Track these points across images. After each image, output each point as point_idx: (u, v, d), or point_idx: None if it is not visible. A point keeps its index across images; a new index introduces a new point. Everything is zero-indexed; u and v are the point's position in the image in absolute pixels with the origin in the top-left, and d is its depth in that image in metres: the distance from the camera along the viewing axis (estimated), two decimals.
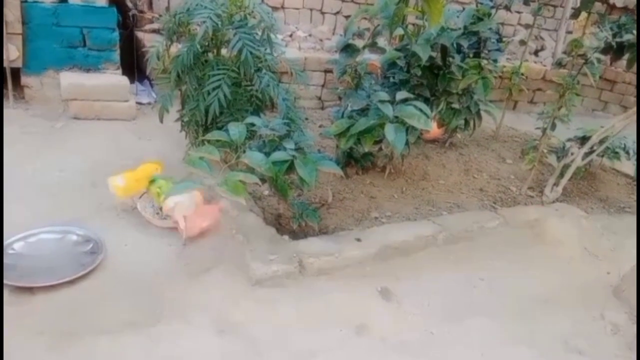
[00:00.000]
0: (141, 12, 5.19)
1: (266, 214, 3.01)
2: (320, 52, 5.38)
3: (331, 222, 3.08)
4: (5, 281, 2.15)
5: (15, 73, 4.07)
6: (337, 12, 6.10)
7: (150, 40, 4.81)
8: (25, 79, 4.13)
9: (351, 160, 3.63)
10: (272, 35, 2.86)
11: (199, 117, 2.89)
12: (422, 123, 2.53)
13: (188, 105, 2.94)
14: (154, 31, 5.07)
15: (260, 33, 2.85)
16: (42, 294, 2.17)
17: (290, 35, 5.68)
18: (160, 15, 5.37)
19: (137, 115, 4.31)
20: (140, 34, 4.98)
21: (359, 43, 3.23)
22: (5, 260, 2.30)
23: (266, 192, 3.24)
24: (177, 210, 2.59)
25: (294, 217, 2.86)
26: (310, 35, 5.75)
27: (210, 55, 2.95)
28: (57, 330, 2.00)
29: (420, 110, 2.57)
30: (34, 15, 3.95)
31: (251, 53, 2.71)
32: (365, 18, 3.03)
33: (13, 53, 3.93)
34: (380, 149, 3.11)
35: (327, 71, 5.18)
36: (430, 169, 3.99)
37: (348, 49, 3.19)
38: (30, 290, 2.17)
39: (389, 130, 2.50)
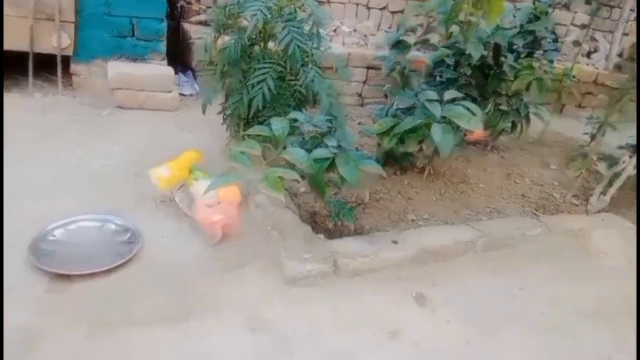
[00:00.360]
0: (189, 3, 5.22)
1: (302, 212, 2.97)
2: (364, 48, 5.29)
3: (367, 222, 3.01)
4: (45, 267, 2.18)
5: (65, 60, 4.14)
6: (383, 8, 5.98)
7: (196, 32, 4.82)
8: (74, 67, 4.20)
9: (390, 160, 3.54)
10: (320, 30, 2.79)
11: (241, 111, 2.85)
12: (470, 124, 2.42)
13: (232, 98, 2.91)
14: (200, 23, 5.08)
15: (308, 27, 2.78)
16: (80, 282, 2.18)
17: (335, 30, 5.60)
18: (208, 7, 5.41)
19: (180, 106, 4.32)
20: (186, 26, 5.00)
21: (410, 39, 3.12)
22: (46, 247, 2.33)
23: (302, 189, 3.19)
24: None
25: (330, 215, 2.81)
26: (354, 30, 5.65)
27: (256, 48, 2.90)
28: (94, 319, 2.01)
29: (469, 110, 2.46)
30: (86, 4, 4.00)
31: (299, 47, 2.65)
32: (416, 14, 2.91)
33: (65, 41, 3.99)
34: (421, 149, 3.02)
35: (369, 67, 5.08)
36: (471, 171, 3.87)
37: (399, 45, 3.09)
38: (68, 277, 2.18)
39: (436, 131, 2.40)
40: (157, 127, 3.93)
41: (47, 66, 4.17)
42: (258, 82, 2.72)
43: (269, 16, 2.62)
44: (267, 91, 2.70)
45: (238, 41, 2.77)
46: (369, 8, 5.98)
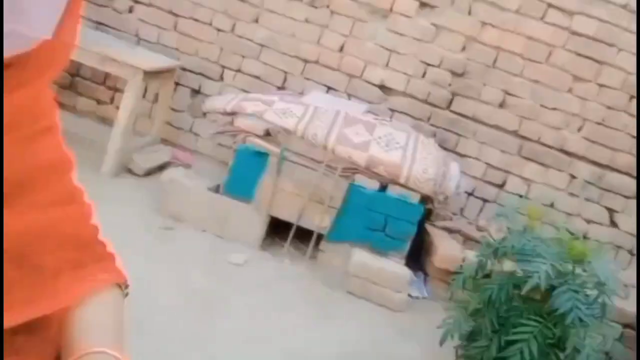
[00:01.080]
0: (437, 208, 5.15)
1: None
2: (622, 302, 4.39)
3: None
4: None
5: (318, 237, 4.28)
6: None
7: (437, 236, 4.66)
8: (323, 244, 4.30)
9: None
10: (608, 301, 2.25)
11: (485, 358, 2.36)
12: None
13: (479, 340, 2.45)
14: (443, 228, 4.93)
15: (592, 294, 2.26)
16: None
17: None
18: (454, 214, 5.28)
19: (405, 308, 4.01)
20: (429, 228, 4.87)
21: None
22: None
23: None
24: None
25: None
26: None
27: (517, 292, 2.45)
28: None
29: None
30: (353, 197, 4.17)
31: (580, 319, 2.13)
32: None
33: (326, 222, 4.18)
34: None
35: (626, 326, 4.16)
36: None
37: None
38: None
39: None
40: (378, 325, 3.67)
41: (298, 234, 4.35)
42: (517, 341, 2.21)
43: (554, 277, 2.17)
44: (527, 355, 2.16)
45: (504, 287, 2.36)
46: (631, 253, 5.11)
